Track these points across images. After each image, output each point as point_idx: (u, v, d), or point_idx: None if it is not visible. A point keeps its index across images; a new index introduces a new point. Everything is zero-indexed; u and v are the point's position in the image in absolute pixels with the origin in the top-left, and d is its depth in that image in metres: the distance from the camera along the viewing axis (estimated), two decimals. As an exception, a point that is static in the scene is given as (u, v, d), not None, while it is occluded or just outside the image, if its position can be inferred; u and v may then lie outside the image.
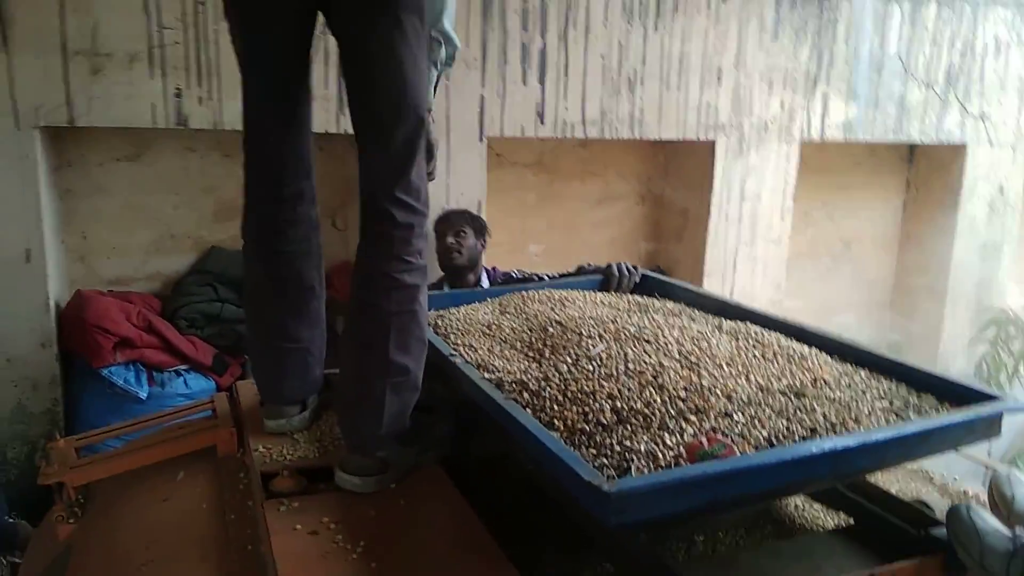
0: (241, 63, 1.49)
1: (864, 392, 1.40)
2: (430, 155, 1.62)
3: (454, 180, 3.09)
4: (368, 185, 1.46)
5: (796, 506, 1.63)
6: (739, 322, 1.79)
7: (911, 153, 4.59)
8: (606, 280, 2.28)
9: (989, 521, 1.26)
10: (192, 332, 2.76)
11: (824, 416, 1.29)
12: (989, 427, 1.35)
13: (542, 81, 3.18)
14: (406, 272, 1.46)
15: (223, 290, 2.84)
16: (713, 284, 3.75)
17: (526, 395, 1.40)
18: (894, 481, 1.73)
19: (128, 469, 1.64)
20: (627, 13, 3.27)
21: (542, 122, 3.22)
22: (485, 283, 2.95)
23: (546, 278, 2.47)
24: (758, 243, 3.86)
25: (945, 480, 1.83)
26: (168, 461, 1.66)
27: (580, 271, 2.43)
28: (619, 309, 1.96)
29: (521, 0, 3.09)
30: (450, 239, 2.91)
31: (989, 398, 1.35)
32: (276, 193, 1.55)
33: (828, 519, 1.59)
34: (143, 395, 2.58)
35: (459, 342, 1.71)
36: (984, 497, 1.51)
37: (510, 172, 3.61)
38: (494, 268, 3.03)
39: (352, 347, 1.48)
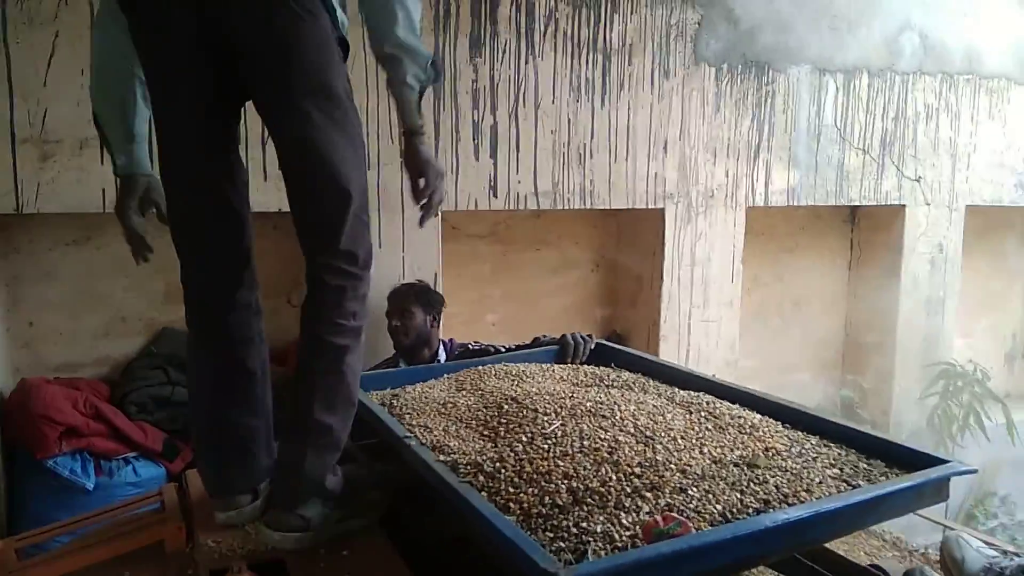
0: (162, 155, 1.49)
1: (815, 460, 1.43)
2: (425, 181, 1.55)
3: (409, 253, 3.11)
4: (304, 251, 1.49)
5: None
6: (693, 392, 1.81)
7: (853, 215, 4.76)
8: (562, 350, 2.30)
9: (943, 586, 1.27)
10: (142, 417, 2.68)
11: (776, 487, 1.31)
12: (938, 491, 1.37)
13: (494, 156, 3.25)
14: (336, 334, 1.48)
15: (174, 372, 2.78)
16: (669, 347, 3.80)
17: (481, 477, 1.39)
18: (853, 542, 1.75)
19: (71, 571, 1.57)
20: (575, 91, 3.39)
21: (495, 195, 3.27)
22: (443, 356, 2.94)
23: (503, 349, 2.48)
24: (711, 306, 3.93)
25: (904, 544, 1.86)
26: (114, 560, 1.59)
27: (536, 343, 2.45)
28: (575, 383, 1.97)
29: (471, 81, 3.18)
30: (395, 321, 2.90)
31: (937, 462, 1.38)
32: (213, 281, 1.55)
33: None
34: (90, 486, 2.49)
35: (414, 422, 1.70)
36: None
37: (465, 244, 3.65)
38: (451, 340, 3.03)
39: (288, 408, 1.51)
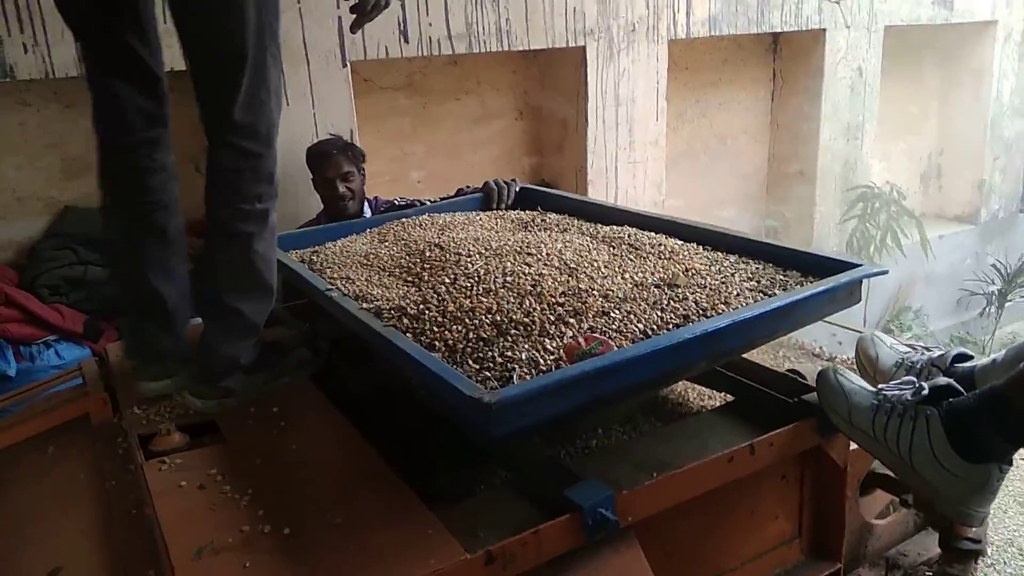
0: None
1: (733, 275, 1.45)
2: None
3: (320, 109, 2.95)
4: (204, 126, 1.40)
5: (681, 393, 1.69)
6: (616, 228, 1.80)
7: (775, 43, 4.69)
8: (486, 198, 2.26)
9: (855, 381, 1.33)
10: (56, 300, 2.57)
11: (696, 303, 1.33)
12: (850, 294, 1.42)
13: (401, -3, 3.05)
14: (240, 220, 1.43)
15: (84, 252, 2.65)
16: (596, 192, 3.78)
17: (406, 320, 1.37)
18: (778, 355, 1.83)
19: (-7, 452, 1.53)
20: (481, -82, 3.15)
21: (406, 40, 3.09)
22: (368, 214, 2.86)
23: (427, 203, 2.43)
24: (636, 146, 3.90)
25: (825, 354, 1.94)
26: (39, 437, 1.56)
27: (459, 193, 2.40)
28: (500, 228, 1.94)
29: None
30: (341, 188, 2.71)
31: (848, 266, 1.42)
32: (129, 142, 1.46)
33: (713, 401, 1.67)
34: (11, 372, 2.40)
35: (336, 276, 1.66)
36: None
37: (380, 97, 3.48)
38: (376, 198, 2.94)
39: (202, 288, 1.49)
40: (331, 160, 2.74)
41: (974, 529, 1.49)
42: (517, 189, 2.27)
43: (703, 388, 1.70)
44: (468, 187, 2.45)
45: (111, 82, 1.43)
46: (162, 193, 1.51)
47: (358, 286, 1.59)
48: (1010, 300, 5.37)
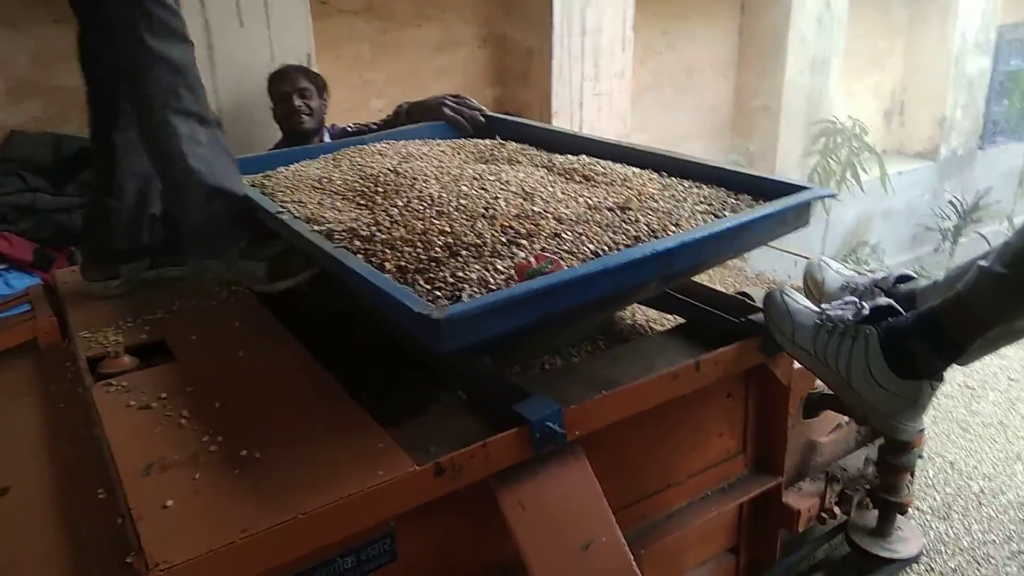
0: None
1: (685, 199, 1.45)
2: None
3: (276, 31, 2.85)
4: None
5: (633, 317, 1.72)
6: (572, 156, 1.79)
7: (744, -27, 4.64)
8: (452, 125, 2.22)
9: (800, 301, 1.36)
10: (4, 228, 2.51)
11: (647, 225, 1.33)
12: (799, 216, 1.43)
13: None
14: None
15: (32, 179, 2.58)
16: (561, 123, 3.75)
17: (357, 242, 1.36)
18: (730, 282, 1.85)
19: (-61, 376, 1.51)
20: None
21: (363, -41, 2.99)
22: (327, 140, 2.81)
23: (374, 128, 2.39)
24: (602, 78, 3.85)
25: (774, 277, 1.97)
26: (-14, 362, 1.54)
27: (397, 112, 2.36)
28: (461, 156, 1.92)
29: None
30: (297, 102, 2.66)
31: (798, 189, 1.43)
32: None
33: (665, 326, 1.69)
34: (-40, 302, 2.36)
35: (287, 199, 1.63)
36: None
37: (339, 21, 3.38)
38: (333, 125, 2.89)
39: None
40: (287, 75, 2.71)
41: (910, 446, 1.55)
42: (476, 107, 2.24)
43: (656, 314, 1.72)
44: (404, 105, 2.40)
45: None
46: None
47: (310, 209, 1.56)
48: (964, 236, 5.49)
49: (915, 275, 1.46)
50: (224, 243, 1.60)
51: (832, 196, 1.43)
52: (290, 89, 2.69)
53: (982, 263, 1.15)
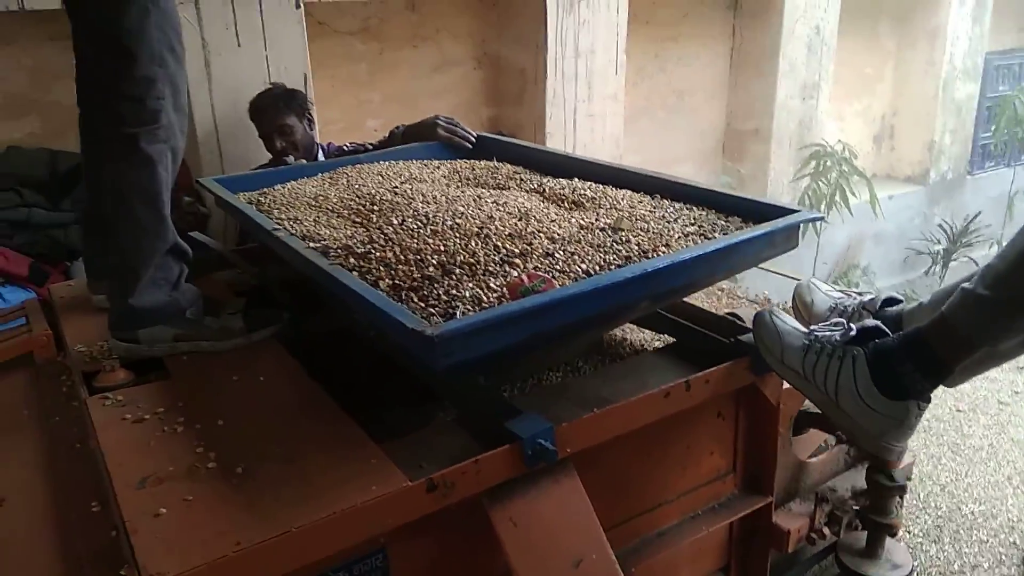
0: None
1: (676, 221, 1.48)
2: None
3: (273, 51, 2.89)
4: None
5: (625, 337, 1.73)
6: (568, 179, 1.81)
7: (736, 0, 4.70)
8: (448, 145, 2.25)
9: (789, 322, 1.38)
10: (0, 243, 2.52)
11: (638, 246, 1.36)
12: (788, 239, 1.45)
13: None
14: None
15: (28, 194, 2.58)
16: (555, 144, 3.78)
17: (352, 259, 1.38)
18: (722, 302, 1.87)
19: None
20: None
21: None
22: (321, 159, 2.82)
23: (370, 148, 2.42)
24: (595, 100, 3.89)
25: (769, 300, 2.00)
26: (-20, 376, 1.55)
27: (392, 135, 2.38)
28: (457, 179, 1.94)
29: None
30: (279, 143, 2.59)
31: (787, 212, 1.45)
32: None
33: (656, 345, 1.71)
34: (-46, 316, 2.36)
35: (283, 216, 1.65)
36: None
37: (336, 42, 3.42)
38: (329, 144, 2.90)
39: None
40: (265, 115, 2.63)
41: (900, 467, 1.57)
42: (473, 138, 2.27)
43: (646, 333, 1.74)
44: (399, 127, 2.42)
45: None
46: None
47: (305, 226, 1.58)
48: (955, 259, 5.54)
49: (902, 298, 1.48)
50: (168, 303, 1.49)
51: (821, 219, 1.46)
52: (270, 130, 2.61)
53: (965, 285, 1.17)
